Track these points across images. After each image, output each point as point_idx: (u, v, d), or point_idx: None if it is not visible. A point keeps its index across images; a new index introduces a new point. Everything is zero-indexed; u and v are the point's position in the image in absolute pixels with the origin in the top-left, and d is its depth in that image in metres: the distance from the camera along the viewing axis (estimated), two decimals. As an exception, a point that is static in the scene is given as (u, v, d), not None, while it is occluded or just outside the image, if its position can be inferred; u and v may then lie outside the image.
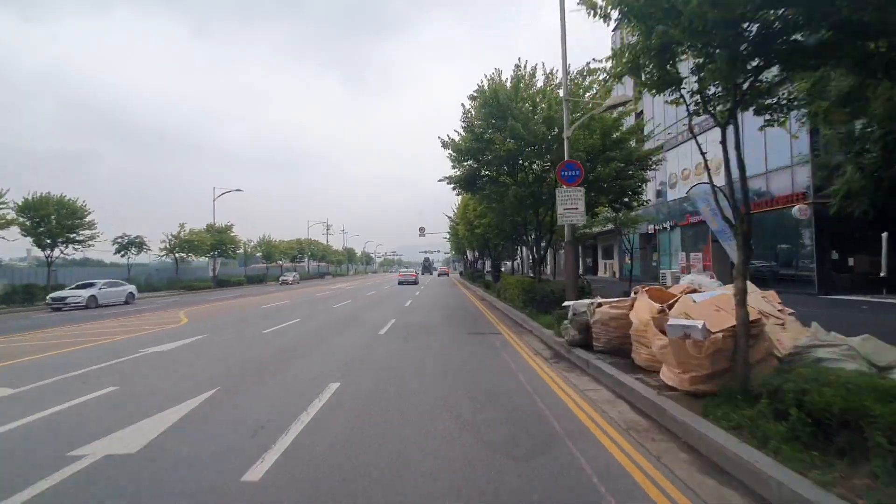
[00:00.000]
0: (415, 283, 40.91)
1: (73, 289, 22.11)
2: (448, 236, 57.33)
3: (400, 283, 40.58)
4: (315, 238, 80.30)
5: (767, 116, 4.79)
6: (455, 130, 14.12)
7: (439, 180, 14.87)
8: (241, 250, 49.03)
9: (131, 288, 24.66)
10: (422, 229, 56.24)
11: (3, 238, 23.10)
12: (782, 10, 3.77)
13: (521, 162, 13.32)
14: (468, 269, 53.47)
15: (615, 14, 4.53)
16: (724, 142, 4.55)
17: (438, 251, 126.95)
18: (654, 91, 4.76)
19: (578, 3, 4.67)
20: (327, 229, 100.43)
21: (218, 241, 40.16)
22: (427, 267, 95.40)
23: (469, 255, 40.48)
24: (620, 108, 11.48)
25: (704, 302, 5.11)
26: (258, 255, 52.47)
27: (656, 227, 28.00)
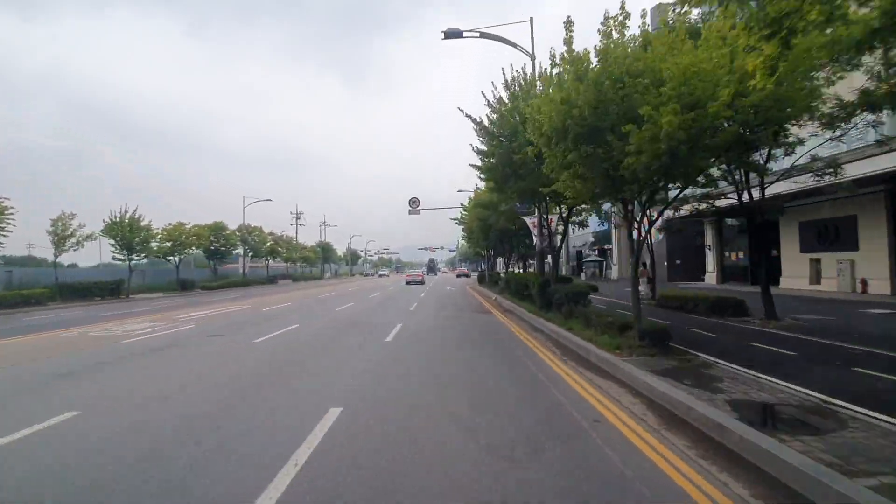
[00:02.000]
0: (422, 283, 41.51)
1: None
2: (462, 213, 33.25)
3: (407, 283, 41.18)
4: (280, 230, 56.48)
5: None
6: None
7: None
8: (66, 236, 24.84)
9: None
10: (414, 202, 32.21)
11: None
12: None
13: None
14: (504, 276, 29.64)
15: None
16: None
17: (442, 247, 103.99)
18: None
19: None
20: (297, 219, 76.93)
21: None
22: (431, 268, 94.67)
23: (542, 234, 14.77)
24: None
25: None
26: (108, 241, 28.25)
27: None
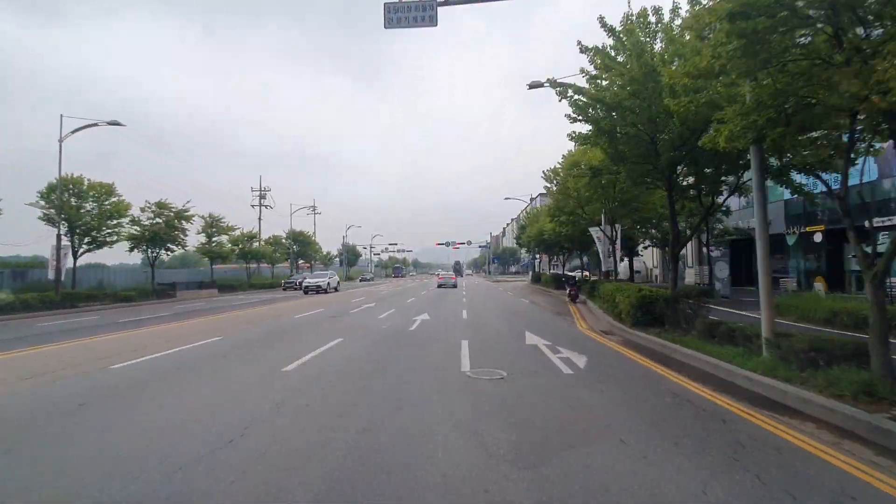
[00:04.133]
0: (454, 286, 36.40)
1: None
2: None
3: (439, 285, 37.30)
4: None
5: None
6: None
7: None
8: None
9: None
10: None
11: None
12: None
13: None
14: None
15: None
16: None
17: (469, 242, 79.25)
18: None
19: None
20: (261, 198, 53.10)
21: None
22: (457, 270, 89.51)
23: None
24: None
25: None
26: None
27: None
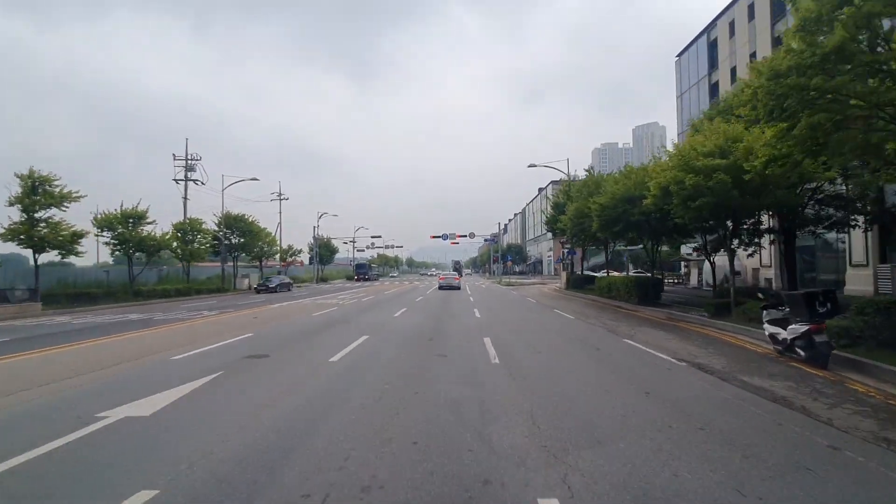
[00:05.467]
0: (458, 287, 33.10)
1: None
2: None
3: (440, 286, 33.51)
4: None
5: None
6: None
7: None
8: None
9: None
10: None
11: None
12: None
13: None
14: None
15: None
16: None
17: (470, 235, 64.99)
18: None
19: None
20: (186, 171, 39.31)
21: None
22: (457, 269, 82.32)
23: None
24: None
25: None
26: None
27: None
